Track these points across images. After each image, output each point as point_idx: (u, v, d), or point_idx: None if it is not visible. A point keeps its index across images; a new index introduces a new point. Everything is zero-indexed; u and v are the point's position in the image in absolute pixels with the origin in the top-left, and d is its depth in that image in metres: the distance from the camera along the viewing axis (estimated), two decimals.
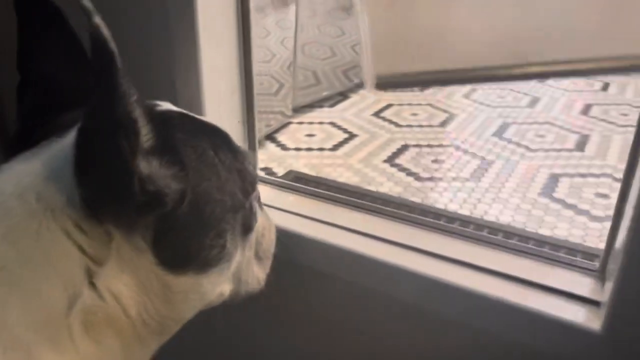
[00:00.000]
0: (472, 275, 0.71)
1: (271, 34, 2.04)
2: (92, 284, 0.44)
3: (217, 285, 0.54)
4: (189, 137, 0.50)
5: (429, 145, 1.96)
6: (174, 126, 0.50)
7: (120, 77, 0.38)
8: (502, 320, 0.68)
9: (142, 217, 0.45)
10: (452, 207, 1.54)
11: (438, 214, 0.91)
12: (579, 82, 2.53)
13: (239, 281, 0.59)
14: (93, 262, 0.44)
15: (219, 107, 0.84)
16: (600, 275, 0.68)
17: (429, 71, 2.46)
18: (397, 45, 2.35)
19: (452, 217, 0.88)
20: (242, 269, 0.59)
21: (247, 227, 0.56)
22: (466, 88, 2.48)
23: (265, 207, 0.67)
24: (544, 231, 1.41)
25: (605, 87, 2.51)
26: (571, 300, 0.66)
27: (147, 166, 0.42)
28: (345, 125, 2.15)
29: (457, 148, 1.93)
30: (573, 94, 2.44)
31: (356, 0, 2.28)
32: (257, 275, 0.63)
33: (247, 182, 0.55)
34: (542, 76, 2.51)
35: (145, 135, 0.42)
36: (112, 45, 0.37)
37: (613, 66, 2.48)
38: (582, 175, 1.71)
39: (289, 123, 2.14)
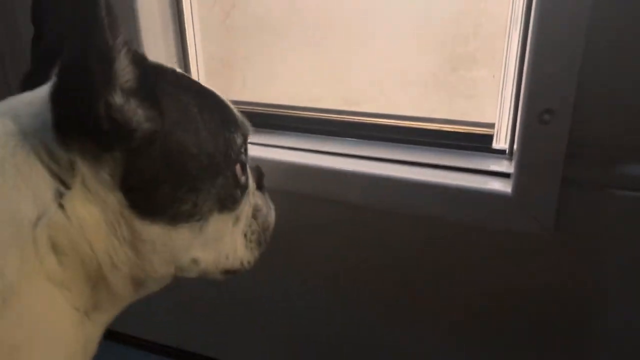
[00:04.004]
0: (404, 169, 0.87)
1: None
2: (62, 206, 0.46)
3: (189, 247, 0.54)
4: (176, 91, 0.52)
5: None
6: (164, 78, 0.52)
7: (101, 3, 0.40)
8: (438, 201, 0.84)
9: (107, 150, 0.46)
10: None
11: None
12: None
13: (218, 253, 0.59)
14: (64, 186, 0.46)
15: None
16: (509, 156, 0.86)
17: None
18: None
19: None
20: (223, 241, 0.59)
21: (229, 197, 0.56)
22: None
23: (268, 194, 0.70)
24: None
25: None
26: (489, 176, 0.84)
27: (121, 100, 0.44)
28: None
29: None
30: None
31: None
32: (241, 254, 0.63)
33: (232, 150, 0.56)
34: None
35: (127, 74, 0.45)
36: None
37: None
38: None
39: None
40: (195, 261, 0.56)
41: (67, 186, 0.46)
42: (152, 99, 0.47)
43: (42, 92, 0.48)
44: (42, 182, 0.45)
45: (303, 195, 0.92)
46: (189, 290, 1.09)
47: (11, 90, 0.52)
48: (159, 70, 0.53)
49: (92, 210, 0.47)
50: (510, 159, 0.86)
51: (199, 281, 0.60)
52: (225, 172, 0.55)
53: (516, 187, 0.78)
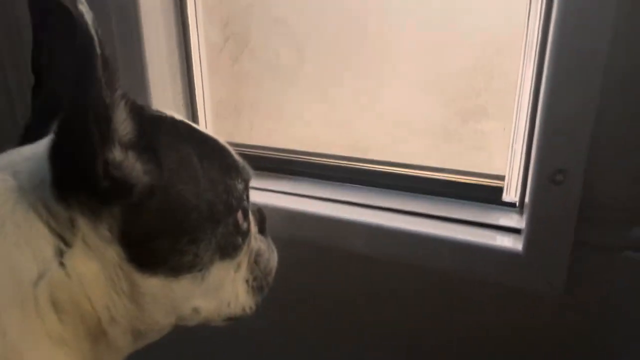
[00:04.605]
0: (411, 220, 0.85)
1: None
2: (63, 264, 0.45)
3: (190, 297, 0.53)
4: (175, 140, 0.51)
5: None
6: (163, 129, 0.51)
7: (97, 62, 0.40)
8: (445, 255, 0.82)
9: (107, 206, 0.46)
10: None
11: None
12: None
13: (220, 301, 0.58)
14: (64, 244, 0.45)
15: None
16: (520, 210, 0.84)
17: None
18: None
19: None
20: (225, 289, 0.58)
21: (230, 244, 0.55)
22: None
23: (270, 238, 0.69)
24: None
25: None
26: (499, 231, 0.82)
27: (120, 155, 0.44)
28: None
29: None
30: None
31: None
32: (243, 301, 0.62)
33: (233, 197, 0.55)
34: None
35: (125, 128, 0.44)
36: (93, 31, 0.39)
37: None
38: None
39: None
40: (196, 310, 0.55)
41: (66, 243, 0.45)
42: (150, 152, 0.47)
43: (41, 147, 0.48)
44: (42, 239, 0.45)
45: (308, 244, 0.91)
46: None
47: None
48: (158, 120, 0.52)
49: (92, 266, 0.46)
50: (520, 212, 0.85)
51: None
52: (227, 220, 0.54)
53: (527, 245, 0.77)
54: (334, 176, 0.98)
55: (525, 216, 0.79)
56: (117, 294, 0.48)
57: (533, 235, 0.76)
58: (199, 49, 0.99)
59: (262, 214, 0.68)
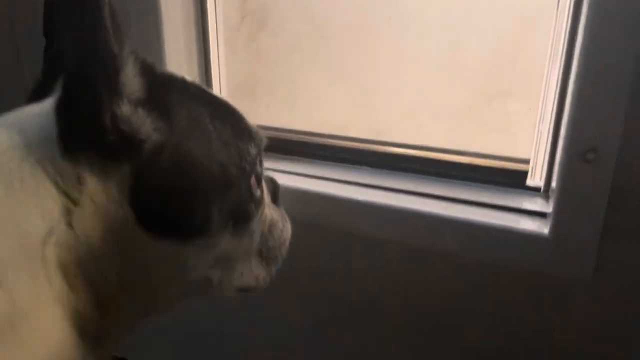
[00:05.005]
0: (433, 203, 0.83)
1: None
2: (70, 225, 0.43)
3: (201, 265, 0.51)
4: (186, 100, 0.49)
5: None
6: (174, 87, 0.50)
7: (105, 11, 0.39)
8: (468, 240, 0.79)
9: (115, 163, 0.44)
10: None
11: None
12: None
13: (232, 271, 0.56)
14: (72, 202, 0.43)
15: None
16: (545, 194, 0.81)
17: None
18: None
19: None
20: (237, 259, 0.56)
21: (243, 211, 0.53)
22: None
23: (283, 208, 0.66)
24: None
25: None
26: (524, 215, 0.79)
27: (128, 110, 0.43)
28: None
29: None
30: None
31: None
32: (256, 272, 0.60)
33: (246, 161, 0.52)
34: None
35: (134, 85, 0.43)
36: None
37: None
38: None
39: None
40: (208, 280, 0.53)
41: (74, 202, 0.43)
42: (160, 109, 0.46)
43: (48, 105, 0.46)
44: (49, 197, 0.43)
45: (325, 227, 0.89)
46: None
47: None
48: (168, 80, 0.50)
49: (100, 229, 0.44)
50: (545, 197, 0.82)
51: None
52: (240, 185, 0.52)
53: (554, 229, 0.74)
54: (353, 159, 0.95)
55: (552, 199, 0.76)
56: (126, 259, 0.46)
57: (560, 217, 0.73)
58: (216, 27, 0.97)
59: (276, 184, 0.66)
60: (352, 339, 0.95)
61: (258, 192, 0.55)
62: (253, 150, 0.54)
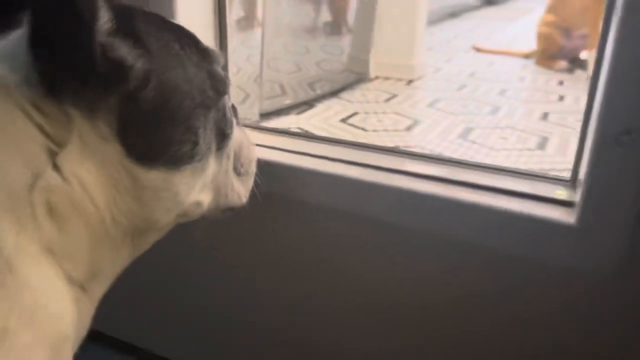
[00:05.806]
0: (452, 189, 0.78)
1: (237, 51, 2.22)
2: (57, 167, 0.43)
3: (192, 190, 0.53)
4: (154, 29, 0.49)
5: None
6: (138, 18, 0.49)
7: None
8: (490, 228, 0.74)
9: (103, 97, 0.44)
10: None
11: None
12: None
13: (218, 193, 0.59)
14: (55, 144, 0.43)
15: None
16: (572, 184, 0.76)
17: None
18: None
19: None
20: (221, 180, 0.58)
21: (221, 132, 0.55)
22: (430, 98, 2.63)
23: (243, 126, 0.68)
24: None
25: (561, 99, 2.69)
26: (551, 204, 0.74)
27: (109, 39, 0.43)
28: (313, 130, 2.22)
29: (423, 148, 2.02)
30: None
31: None
32: (237, 189, 0.63)
33: (217, 82, 0.54)
34: None
35: (104, 15, 0.42)
36: None
37: None
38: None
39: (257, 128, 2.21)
40: (198, 204, 0.55)
41: (58, 144, 0.43)
42: (134, 38, 0.45)
43: (13, 43, 0.45)
44: (32, 142, 0.42)
45: (346, 212, 0.84)
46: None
47: None
48: (130, 10, 0.50)
49: (91, 166, 0.45)
50: (572, 186, 0.76)
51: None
52: (217, 106, 0.54)
53: (582, 217, 0.68)
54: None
55: (579, 186, 0.71)
56: (120, 192, 0.47)
57: (589, 205, 0.67)
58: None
59: (232, 105, 0.65)
60: (374, 327, 0.90)
61: (229, 113, 0.58)
62: (220, 70, 0.55)
